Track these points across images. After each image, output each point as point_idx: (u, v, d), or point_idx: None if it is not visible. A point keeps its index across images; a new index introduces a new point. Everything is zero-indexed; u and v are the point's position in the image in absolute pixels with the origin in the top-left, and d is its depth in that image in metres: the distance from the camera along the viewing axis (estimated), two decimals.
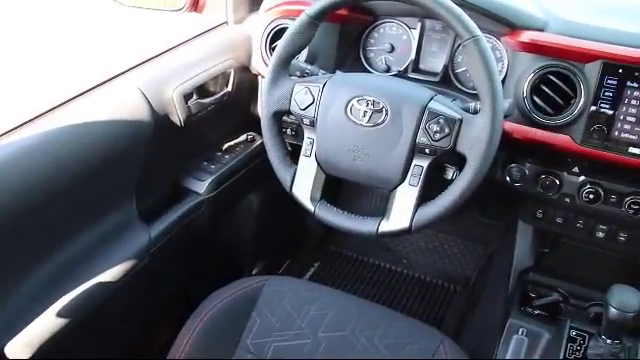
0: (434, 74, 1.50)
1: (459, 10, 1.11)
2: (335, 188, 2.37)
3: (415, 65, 1.53)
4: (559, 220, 1.49)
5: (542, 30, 1.34)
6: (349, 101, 1.19)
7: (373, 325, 1.37)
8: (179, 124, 1.47)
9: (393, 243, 2.39)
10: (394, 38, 1.55)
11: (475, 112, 1.16)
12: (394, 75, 1.54)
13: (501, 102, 1.11)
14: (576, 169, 1.36)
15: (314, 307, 1.40)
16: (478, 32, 1.11)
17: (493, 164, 1.40)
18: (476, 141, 1.11)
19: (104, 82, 1.36)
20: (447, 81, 1.49)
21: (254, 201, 1.94)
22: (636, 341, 1.40)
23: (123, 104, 1.34)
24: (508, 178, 1.41)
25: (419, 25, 1.51)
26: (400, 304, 2.17)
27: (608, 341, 1.28)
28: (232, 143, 1.75)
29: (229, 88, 1.61)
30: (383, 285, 2.26)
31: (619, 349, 1.29)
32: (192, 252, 1.77)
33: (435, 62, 1.53)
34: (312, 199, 1.26)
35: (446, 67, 1.49)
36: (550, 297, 1.57)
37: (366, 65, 1.58)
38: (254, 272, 2.09)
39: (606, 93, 1.24)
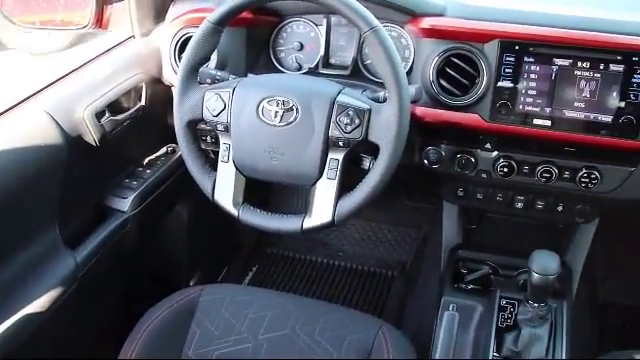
0: (344, 67, 1.53)
1: (356, 3, 1.14)
2: (266, 190, 2.38)
3: (325, 61, 1.55)
4: (479, 196, 1.55)
5: (441, 15, 1.38)
6: (259, 103, 1.20)
7: (312, 320, 1.38)
8: (94, 143, 1.44)
9: (328, 237, 2.42)
10: (302, 36, 1.57)
11: (383, 101, 1.19)
12: (305, 72, 1.56)
13: (406, 89, 1.14)
14: (488, 145, 1.41)
15: (252, 311, 1.40)
16: (376, 23, 1.14)
17: (410, 149, 1.45)
18: (386, 129, 1.14)
19: (9, 109, 1.32)
20: (358, 73, 1.52)
21: (182, 212, 1.92)
22: (561, 302, 1.48)
23: (32, 129, 1.30)
24: (426, 161, 1.46)
25: (325, 21, 1.53)
26: (340, 297, 2.20)
27: (535, 305, 1.34)
28: (153, 157, 1.73)
29: (142, 102, 1.59)
30: (322, 280, 2.28)
31: (545, 311, 1.35)
32: (124, 271, 1.74)
33: (344, 56, 1.56)
34: (235, 203, 1.27)
35: (355, 59, 1.53)
36: (480, 271, 1.63)
37: (277, 65, 1.59)
38: (192, 283, 2.07)
39: (506, 70, 1.30)
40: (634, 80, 1.24)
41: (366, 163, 1.23)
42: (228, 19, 1.23)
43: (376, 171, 1.16)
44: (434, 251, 1.85)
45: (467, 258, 1.68)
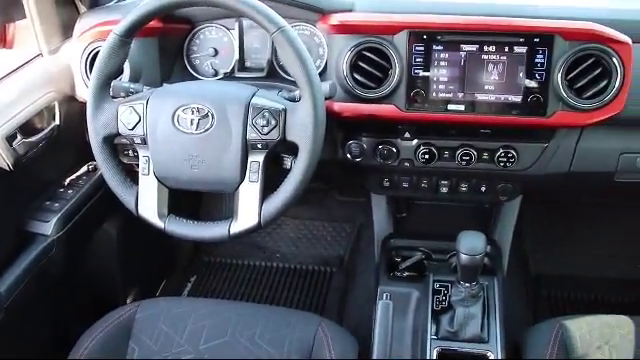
0: (261, 69, 1.54)
1: (261, 5, 1.14)
2: (196, 198, 2.36)
3: (241, 64, 1.55)
4: (405, 185, 1.58)
5: (350, 11, 1.40)
6: (174, 112, 1.19)
7: (252, 325, 1.38)
8: (8, 168, 1.39)
9: (264, 240, 2.42)
10: (216, 42, 1.56)
11: (299, 100, 1.19)
12: (222, 78, 1.55)
13: (319, 86, 1.15)
14: (407, 134, 1.44)
15: (191, 321, 1.39)
16: (283, 23, 1.14)
17: (333, 144, 1.47)
18: (303, 127, 1.15)
19: None
20: (274, 74, 1.53)
21: (111, 230, 1.88)
22: (492, 279, 1.52)
23: None
24: (349, 155, 1.47)
25: (237, 25, 1.53)
26: (281, 298, 2.20)
27: (466, 285, 1.38)
28: (74, 177, 1.68)
29: (57, 122, 1.54)
30: (262, 283, 2.28)
31: (477, 290, 1.39)
32: (54, 296, 1.69)
33: (260, 58, 1.56)
34: (160, 215, 1.25)
35: (271, 61, 1.53)
36: (413, 257, 1.66)
37: (193, 73, 1.58)
38: (129, 301, 2.03)
39: (417, 59, 1.33)
40: (537, 60, 1.30)
41: (288, 163, 1.23)
42: (135, 30, 1.21)
43: (297, 170, 1.16)
44: (369, 243, 1.87)
45: (400, 246, 1.71)
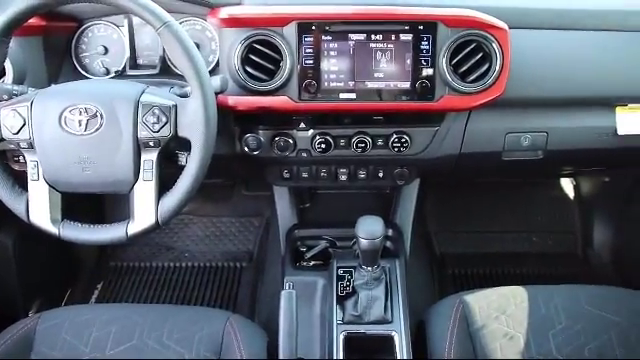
0: (153, 67, 1.51)
1: (144, 0, 1.12)
2: (98, 201, 2.29)
3: (133, 62, 1.52)
4: (305, 175, 1.59)
5: (239, 4, 1.40)
6: (61, 113, 1.15)
7: (160, 326, 1.36)
8: None
9: (171, 240, 2.39)
10: (105, 39, 1.52)
11: (188, 95, 1.18)
12: (114, 76, 1.51)
13: (207, 80, 1.15)
14: (303, 125, 1.46)
15: (95, 329, 1.36)
16: (168, 18, 1.13)
17: (230, 138, 1.47)
18: (194, 123, 1.14)
19: None
20: (167, 70, 1.50)
21: (6, 241, 1.80)
22: (394, 261, 1.57)
23: None
24: (246, 148, 1.48)
25: (126, 22, 1.49)
26: (192, 297, 2.18)
27: (368, 268, 1.41)
28: None
29: None
30: (172, 284, 2.25)
31: (379, 273, 1.43)
32: None
33: (152, 55, 1.53)
34: (53, 221, 1.21)
35: (163, 57, 1.51)
36: (318, 246, 1.69)
37: (83, 72, 1.53)
38: (31, 314, 1.95)
39: (307, 50, 1.34)
40: (422, 47, 1.34)
41: (182, 159, 1.22)
42: (12, 29, 1.16)
43: (191, 166, 1.16)
44: (276, 236, 1.88)
45: (304, 236, 1.74)
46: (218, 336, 1.35)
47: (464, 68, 1.36)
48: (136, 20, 1.50)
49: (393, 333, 1.41)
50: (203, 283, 2.24)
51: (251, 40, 1.34)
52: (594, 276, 2.27)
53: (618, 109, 1.56)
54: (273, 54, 1.35)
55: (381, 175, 1.59)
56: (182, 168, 1.19)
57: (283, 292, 1.25)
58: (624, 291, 1.47)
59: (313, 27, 1.33)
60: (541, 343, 1.35)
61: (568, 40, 1.50)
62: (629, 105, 1.56)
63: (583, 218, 2.43)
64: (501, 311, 1.41)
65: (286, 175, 1.60)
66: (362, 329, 1.42)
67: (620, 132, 1.56)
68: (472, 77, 1.36)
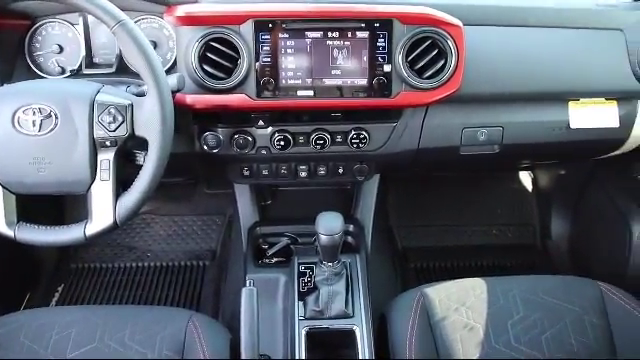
0: (110, 65, 1.49)
1: None
2: (58, 202, 2.25)
3: (89, 60, 1.50)
4: (265, 172, 1.60)
5: (196, 1, 1.39)
6: (14, 114, 1.13)
7: (121, 327, 1.35)
8: None
9: (133, 240, 2.36)
10: (60, 38, 1.50)
11: (144, 94, 1.18)
12: (69, 75, 1.49)
13: (163, 79, 1.14)
14: (261, 122, 1.46)
15: (55, 332, 1.34)
16: (122, 16, 1.12)
17: (189, 137, 1.46)
18: (150, 121, 1.14)
19: None
20: (125, 69, 1.48)
21: None
22: (354, 256, 1.58)
23: None
24: (206, 147, 1.47)
25: (81, 20, 1.48)
26: (155, 297, 2.17)
27: (329, 264, 1.42)
28: None
29: None
30: (134, 284, 2.23)
31: (340, 268, 1.44)
32: None
33: (108, 53, 1.51)
34: (8, 224, 1.19)
35: (120, 56, 1.49)
36: (279, 243, 1.69)
37: (38, 72, 1.50)
38: None
39: (264, 48, 1.35)
40: (379, 44, 1.36)
41: (140, 158, 1.22)
42: None
43: (149, 165, 1.15)
44: (238, 234, 1.88)
45: (266, 234, 1.74)
46: (180, 335, 1.35)
47: (420, 65, 1.38)
48: (91, 18, 1.49)
49: (354, 327, 1.42)
50: (166, 283, 2.23)
51: (208, 38, 1.33)
52: (552, 266, 2.33)
53: (571, 104, 1.61)
54: (230, 52, 1.34)
55: (341, 171, 1.61)
56: (140, 167, 1.19)
57: (244, 289, 1.25)
58: (578, 280, 1.51)
59: (270, 25, 1.34)
60: (500, 333, 1.38)
61: (522, 37, 1.54)
62: (581, 100, 1.61)
63: (541, 210, 2.48)
64: (461, 303, 1.43)
65: (246, 173, 1.60)
66: (324, 324, 1.43)
67: (573, 126, 1.60)
68: (428, 73, 1.38)
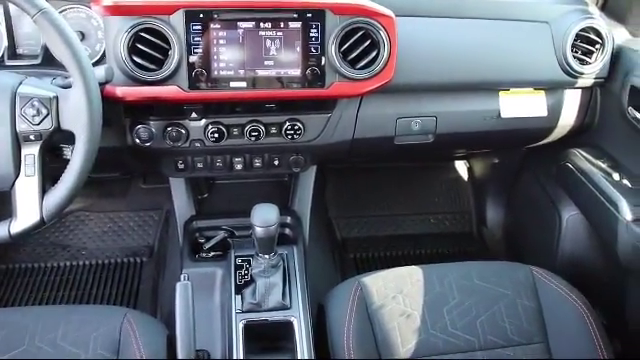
0: (35, 56, 1.44)
1: None
2: None
3: (12, 51, 1.44)
4: (200, 165, 1.57)
5: None
6: None
7: (53, 328, 1.31)
8: None
9: (67, 239, 2.30)
10: None
11: (70, 86, 1.14)
12: None
13: (89, 70, 1.11)
14: (194, 114, 1.44)
15: None
16: (44, 5, 1.08)
17: (121, 130, 1.43)
18: (77, 114, 1.10)
19: None
20: (50, 60, 1.43)
21: None
22: (291, 247, 1.58)
23: None
24: (138, 140, 1.44)
25: (1, 9, 1.42)
26: (91, 296, 2.12)
27: (265, 256, 1.42)
28: None
29: None
30: (69, 284, 2.16)
31: (276, 259, 1.44)
32: None
33: (33, 44, 1.46)
34: None
35: (45, 47, 1.44)
36: (216, 237, 1.68)
37: None
38: None
39: (195, 39, 1.32)
40: (311, 34, 1.35)
41: (67, 153, 1.18)
42: None
43: (76, 159, 1.12)
44: (175, 228, 1.85)
45: (203, 227, 1.72)
46: (115, 333, 1.32)
47: (353, 55, 1.38)
48: (13, 7, 1.43)
49: (292, 319, 1.42)
50: (102, 281, 2.17)
51: (137, 29, 1.30)
52: (488, 253, 2.39)
53: (501, 94, 1.65)
54: (161, 43, 1.31)
55: (277, 163, 1.60)
56: (68, 162, 1.15)
57: (178, 284, 1.24)
58: (511, 264, 1.55)
59: (201, 15, 1.31)
60: (436, 319, 1.41)
61: (454, 28, 1.57)
62: (511, 90, 1.65)
63: (476, 199, 2.54)
64: (398, 291, 1.46)
65: (181, 166, 1.57)
66: (261, 317, 1.42)
67: (503, 115, 1.65)
68: (361, 64, 1.39)
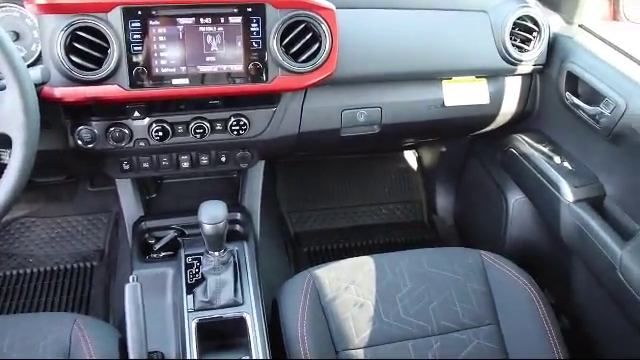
0: None
1: None
2: None
3: None
4: (146, 165, 1.55)
5: None
6: None
7: None
8: None
9: (12, 247, 2.23)
10: None
11: (3, 88, 1.11)
12: None
13: (23, 71, 1.08)
14: (137, 113, 1.41)
15: None
16: None
17: (62, 132, 1.40)
18: (12, 117, 1.07)
19: None
20: None
21: None
22: (242, 243, 1.58)
23: None
24: (80, 142, 1.41)
25: None
26: (41, 304, 2.06)
27: (215, 254, 1.41)
28: None
29: None
30: (16, 293, 2.10)
31: (226, 256, 1.43)
32: None
33: None
34: None
35: None
36: (165, 237, 1.66)
37: None
38: None
39: (134, 36, 1.30)
40: (252, 29, 1.35)
41: (5, 157, 1.15)
42: None
43: (13, 164, 1.08)
44: (124, 230, 1.82)
45: (152, 228, 1.70)
46: (65, 340, 1.29)
47: (295, 49, 1.38)
48: None
49: (245, 314, 1.42)
50: (52, 288, 2.12)
51: (74, 27, 1.27)
52: (440, 240, 2.43)
53: (444, 82, 1.67)
54: (99, 41, 1.29)
55: (224, 159, 1.59)
56: (5, 167, 1.12)
57: (127, 285, 1.22)
58: (461, 250, 1.58)
59: (139, 12, 1.29)
60: (389, 307, 1.42)
61: (395, 19, 1.58)
62: (453, 78, 1.68)
63: (426, 187, 2.58)
64: (351, 281, 1.47)
65: (126, 167, 1.55)
66: (214, 314, 1.41)
67: (447, 104, 1.67)
68: (303, 57, 1.39)
